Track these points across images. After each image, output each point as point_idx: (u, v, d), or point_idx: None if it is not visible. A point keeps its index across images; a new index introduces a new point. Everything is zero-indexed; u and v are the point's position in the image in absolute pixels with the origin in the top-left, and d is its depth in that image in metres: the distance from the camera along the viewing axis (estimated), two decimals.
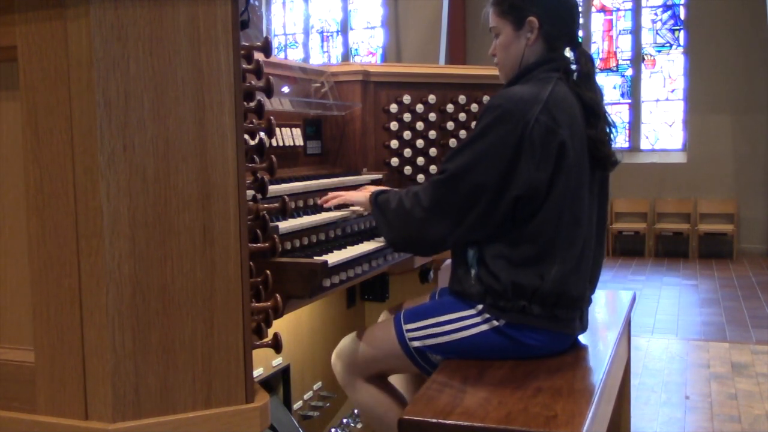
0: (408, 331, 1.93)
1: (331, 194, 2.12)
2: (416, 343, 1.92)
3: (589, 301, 2.01)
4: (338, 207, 2.11)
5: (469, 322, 1.87)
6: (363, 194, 2.07)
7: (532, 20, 1.91)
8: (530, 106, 1.79)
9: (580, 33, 9.80)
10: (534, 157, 1.77)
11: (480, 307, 1.86)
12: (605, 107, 1.96)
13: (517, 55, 1.95)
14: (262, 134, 1.55)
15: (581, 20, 2.06)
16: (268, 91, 1.53)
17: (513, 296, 1.82)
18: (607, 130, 1.94)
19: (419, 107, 2.66)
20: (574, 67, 1.95)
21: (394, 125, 2.62)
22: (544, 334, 1.86)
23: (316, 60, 11.11)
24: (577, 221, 1.86)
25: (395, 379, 2.32)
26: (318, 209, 2.09)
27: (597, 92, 1.94)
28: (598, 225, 1.97)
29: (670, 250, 9.13)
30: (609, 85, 9.59)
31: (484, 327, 1.85)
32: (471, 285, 1.88)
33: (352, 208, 2.12)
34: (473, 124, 2.73)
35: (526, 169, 1.77)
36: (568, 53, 1.98)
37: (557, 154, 1.79)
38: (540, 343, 1.86)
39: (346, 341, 2.13)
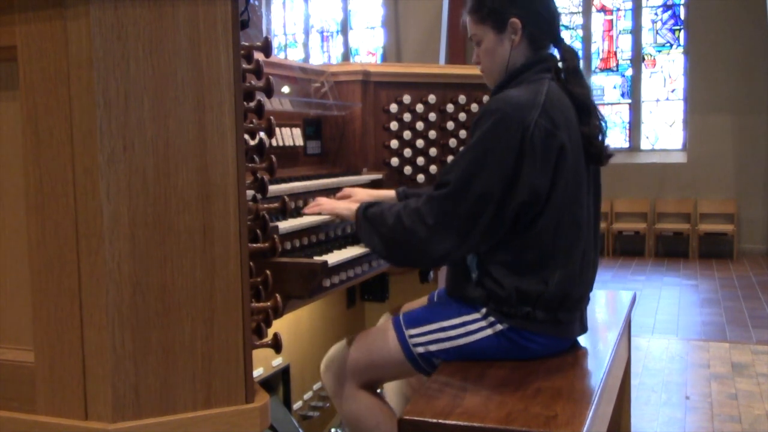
0: (411, 336, 1.90)
1: (314, 202, 2.05)
2: (420, 349, 1.89)
3: (587, 300, 2.01)
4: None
5: (474, 327, 1.85)
6: (348, 206, 1.99)
7: (515, 21, 1.88)
8: (528, 110, 1.76)
9: (580, 33, 9.73)
10: (535, 162, 1.74)
11: (484, 310, 1.84)
12: (594, 101, 1.93)
13: (503, 59, 1.92)
14: (262, 134, 1.55)
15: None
16: (268, 91, 1.53)
17: (517, 302, 1.80)
18: (598, 123, 1.91)
19: (419, 107, 2.66)
20: (560, 64, 1.93)
21: (394, 125, 2.62)
22: (545, 338, 1.85)
23: (316, 60, 11.11)
24: (578, 223, 1.85)
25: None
26: None
27: (585, 86, 1.91)
28: (594, 224, 1.96)
29: (670, 250, 9.13)
30: (609, 85, 9.58)
31: (489, 331, 1.84)
32: (473, 289, 1.86)
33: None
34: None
35: (528, 174, 1.74)
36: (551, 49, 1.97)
37: (557, 157, 1.77)
38: (542, 347, 1.86)
39: (336, 350, 2.07)
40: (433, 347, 1.88)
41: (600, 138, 1.90)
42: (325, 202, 2.05)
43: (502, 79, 1.93)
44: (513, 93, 1.82)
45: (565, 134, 1.79)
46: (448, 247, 1.77)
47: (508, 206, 1.75)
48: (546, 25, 1.93)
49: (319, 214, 2.02)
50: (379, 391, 2.52)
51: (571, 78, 1.91)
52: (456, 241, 1.77)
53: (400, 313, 1.99)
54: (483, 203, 1.74)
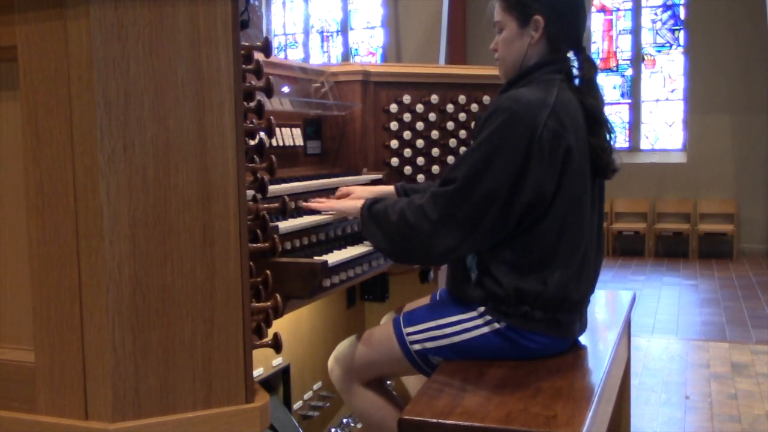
0: (408, 334, 1.92)
1: (316, 200, 2.05)
2: (417, 346, 1.91)
3: (588, 302, 2.01)
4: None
5: (469, 325, 1.86)
6: (353, 204, 1.99)
7: (538, 19, 1.88)
8: (538, 110, 1.76)
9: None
10: (543, 163, 1.74)
11: (481, 309, 1.85)
12: (605, 114, 1.94)
13: (519, 53, 1.92)
14: (262, 134, 1.55)
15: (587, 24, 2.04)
16: (268, 91, 1.53)
17: (516, 301, 1.81)
18: (607, 137, 1.92)
19: (419, 107, 2.66)
20: (575, 71, 1.93)
21: (394, 125, 2.62)
22: (544, 337, 1.85)
23: (316, 60, 11.11)
24: (580, 226, 1.85)
25: (409, 380, 2.32)
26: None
27: (599, 99, 1.92)
28: (597, 226, 1.97)
29: (670, 250, 9.13)
30: (609, 85, 9.58)
31: (485, 329, 1.85)
32: (472, 289, 1.86)
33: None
34: (473, 124, 2.73)
35: (535, 174, 1.74)
36: (571, 56, 1.97)
37: (563, 159, 1.77)
38: (540, 346, 1.86)
39: (344, 345, 2.10)
40: (429, 344, 1.89)
41: (607, 152, 1.89)
42: (328, 201, 2.05)
43: (514, 76, 1.93)
44: (523, 92, 1.81)
45: (572, 136, 1.79)
46: (451, 244, 1.77)
47: (514, 206, 1.75)
48: (569, 29, 1.92)
49: (320, 213, 2.02)
50: (389, 382, 2.54)
51: (586, 88, 1.91)
52: (459, 239, 1.77)
53: (401, 313, 2.01)
54: (488, 202, 1.74)
